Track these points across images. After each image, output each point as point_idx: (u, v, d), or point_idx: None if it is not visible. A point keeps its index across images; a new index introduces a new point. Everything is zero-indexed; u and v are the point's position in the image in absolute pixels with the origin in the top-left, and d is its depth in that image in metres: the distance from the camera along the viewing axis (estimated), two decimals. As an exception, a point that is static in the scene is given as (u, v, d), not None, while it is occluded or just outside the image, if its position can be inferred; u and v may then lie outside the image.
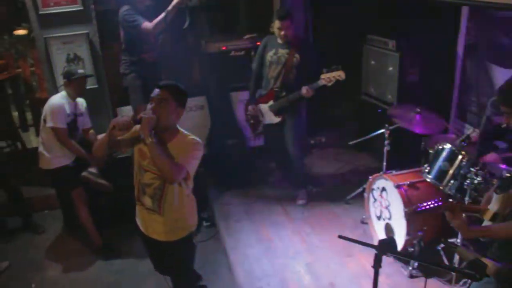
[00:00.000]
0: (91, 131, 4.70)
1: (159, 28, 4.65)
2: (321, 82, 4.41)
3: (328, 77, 4.36)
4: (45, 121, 4.28)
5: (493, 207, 2.52)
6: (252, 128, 5.19)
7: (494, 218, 2.48)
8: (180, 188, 2.96)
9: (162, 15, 4.57)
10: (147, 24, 4.63)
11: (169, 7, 4.55)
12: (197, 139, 2.92)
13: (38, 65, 6.23)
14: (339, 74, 4.33)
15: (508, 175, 2.70)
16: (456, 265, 3.63)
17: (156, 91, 2.84)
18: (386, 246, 2.07)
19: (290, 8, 4.79)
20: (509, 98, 2.81)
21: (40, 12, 4.87)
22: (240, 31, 5.94)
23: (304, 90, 4.49)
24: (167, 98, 2.80)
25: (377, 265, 2.05)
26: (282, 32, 4.55)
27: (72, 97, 4.36)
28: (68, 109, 4.31)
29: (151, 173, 2.90)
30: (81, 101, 4.53)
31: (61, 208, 4.97)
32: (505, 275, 1.79)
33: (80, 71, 4.42)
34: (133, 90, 4.96)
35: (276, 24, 4.57)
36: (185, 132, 2.95)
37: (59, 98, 4.31)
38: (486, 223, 2.52)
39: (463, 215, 2.53)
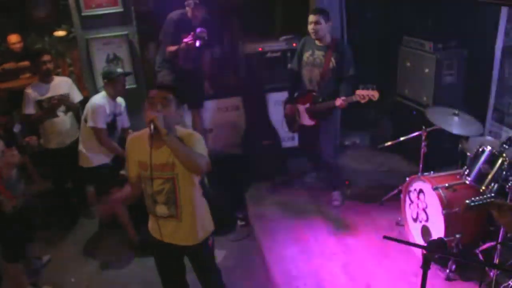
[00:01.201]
0: (130, 130, 4.79)
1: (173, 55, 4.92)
2: (355, 98, 4.42)
3: (363, 95, 4.38)
4: (85, 120, 4.38)
5: None
6: (289, 126, 5.24)
7: None
8: (193, 188, 2.95)
9: (174, 48, 4.82)
10: (169, 48, 4.89)
11: (181, 45, 4.78)
12: (200, 136, 2.89)
13: (77, 65, 6.39)
14: (373, 94, 4.35)
15: None
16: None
17: (154, 92, 2.81)
18: (436, 247, 2.08)
19: (326, 8, 4.79)
20: None
21: (83, 14, 5.01)
22: (276, 33, 5.98)
23: (338, 102, 4.50)
24: (168, 97, 2.77)
25: (426, 266, 2.06)
26: (312, 26, 4.56)
27: (112, 96, 4.42)
28: (108, 109, 4.37)
29: (158, 180, 2.84)
30: (120, 100, 4.60)
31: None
32: None
33: (119, 70, 4.48)
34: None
35: (309, 18, 4.59)
36: (181, 128, 2.92)
37: (100, 98, 4.38)
38: None
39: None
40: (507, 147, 3.61)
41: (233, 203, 5.09)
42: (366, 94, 4.36)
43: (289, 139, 5.92)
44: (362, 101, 4.40)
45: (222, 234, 4.83)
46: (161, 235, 3.01)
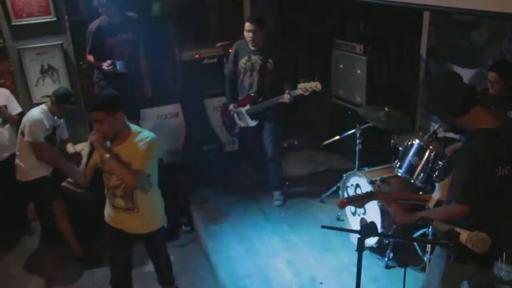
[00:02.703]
0: (69, 143, 4.71)
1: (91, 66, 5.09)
2: (298, 91, 4.53)
3: (305, 87, 4.48)
4: (22, 134, 4.27)
5: (436, 195, 2.75)
6: (228, 130, 5.31)
7: (437, 205, 2.71)
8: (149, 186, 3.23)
9: (93, 61, 5.00)
10: (89, 57, 5.02)
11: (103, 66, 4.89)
12: (149, 136, 3.11)
13: (8, 77, 6.18)
14: (316, 85, 4.47)
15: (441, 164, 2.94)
16: (428, 253, 3.84)
17: (90, 115, 3.05)
18: (368, 230, 2.23)
19: (260, 13, 4.91)
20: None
21: (13, 24, 4.86)
22: (212, 39, 6.06)
23: (286, 97, 4.60)
24: (101, 117, 2.98)
25: (360, 248, 2.19)
26: (250, 35, 4.65)
27: (53, 114, 4.37)
28: (47, 124, 4.30)
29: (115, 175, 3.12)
30: None
31: (40, 221, 4.94)
32: (475, 238, 2.00)
33: (73, 98, 4.44)
34: None
35: (246, 26, 4.66)
36: (137, 129, 3.19)
37: (38, 113, 4.26)
38: None
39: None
40: (432, 140, 3.85)
41: (176, 209, 5.09)
42: (309, 86, 4.47)
43: (229, 144, 6.01)
44: (305, 94, 4.52)
45: (167, 240, 4.84)
46: (115, 223, 3.33)
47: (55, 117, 4.41)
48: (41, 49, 5.02)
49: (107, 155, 3.01)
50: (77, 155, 4.57)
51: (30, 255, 4.77)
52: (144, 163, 3.05)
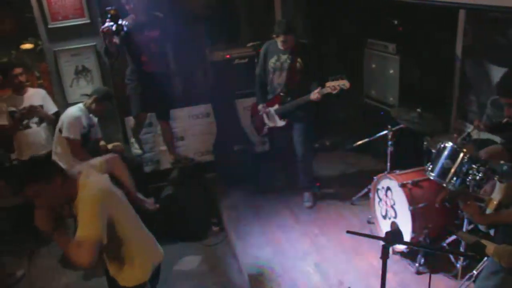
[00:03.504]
0: (102, 142, 4.82)
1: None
2: (326, 89, 4.51)
3: (333, 85, 4.46)
4: (60, 130, 4.40)
5: (496, 196, 2.61)
6: (257, 131, 5.31)
7: (498, 207, 2.57)
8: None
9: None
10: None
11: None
12: (91, 190, 2.54)
13: (46, 78, 6.35)
14: (344, 83, 4.44)
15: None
16: (461, 260, 3.74)
17: (24, 193, 2.51)
18: (393, 237, 2.18)
19: (290, 21, 4.84)
20: (506, 89, 2.92)
21: (49, 26, 5.01)
22: (242, 39, 6.06)
23: (313, 95, 4.58)
24: (35, 188, 2.48)
25: (384, 256, 2.15)
26: (282, 45, 4.68)
27: (90, 112, 4.52)
28: (84, 121, 4.44)
29: None
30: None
31: (74, 217, 5.05)
32: (502, 251, 1.91)
33: (110, 93, 4.60)
34: (133, 98, 5.08)
35: (280, 38, 4.66)
36: (85, 181, 2.59)
37: (76, 110, 4.44)
38: (489, 212, 2.62)
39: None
40: (466, 142, 3.74)
41: (207, 209, 5.14)
42: (336, 84, 4.44)
43: (260, 144, 6.00)
44: (334, 92, 4.48)
45: (197, 239, 4.90)
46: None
47: (91, 116, 4.52)
48: (76, 50, 5.16)
49: (53, 236, 2.50)
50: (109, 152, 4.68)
51: (63, 251, 4.86)
52: (90, 226, 2.42)
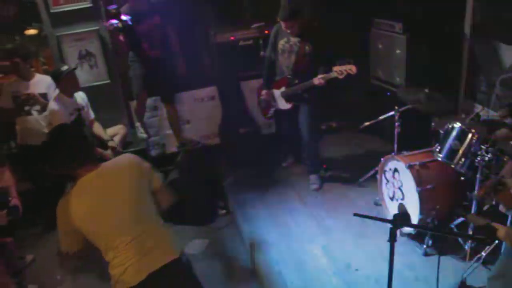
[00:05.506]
0: (96, 123, 4.80)
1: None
2: (333, 74, 4.47)
3: (340, 70, 4.43)
4: (51, 124, 4.36)
5: None
6: (263, 113, 5.28)
7: None
8: None
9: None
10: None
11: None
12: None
13: (51, 64, 6.33)
14: (351, 68, 4.40)
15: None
16: (469, 242, 3.71)
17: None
18: (400, 220, 2.15)
19: (293, 6, 4.75)
20: None
21: (51, 11, 4.97)
22: (247, 21, 6.00)
23: (316, 80, 4.55)
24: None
25: (392, 239, 2.13)
26: (288, 31, 4.64)
27: (68, 95, 4.48)
28: (68, 109, 4.42)
29: None
30: (78, 95, 4.64)
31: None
32: None
33: (64, 67, 4.52)
34: (135, 77, 5.12)
35: (281, 24, 4.62)
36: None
37: (53, 104, 4.43)
38: None
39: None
40: (475, 123, 3.69)
41: (213, 192, 5.13)
42: (343, 69, 4.41)
43: (267, 126, 5.97)
44: (340, 77, 4.45)
45: (204, 223, 4.90)
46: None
47: (72, 99, 4.49)
48: (79, 35, 5.10)
49: None
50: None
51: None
52: None
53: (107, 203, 2.46)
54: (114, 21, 4.60)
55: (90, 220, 2.44)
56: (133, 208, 2.52)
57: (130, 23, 4.64)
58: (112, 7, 4.68)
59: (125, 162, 2.67)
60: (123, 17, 4.71)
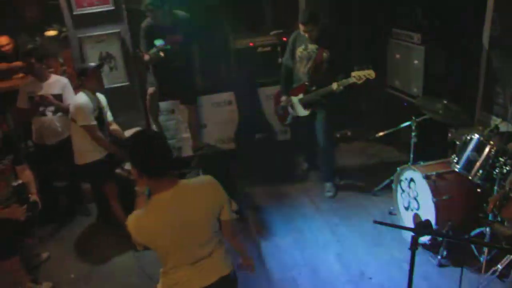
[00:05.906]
0: (113, 125, 4.84)
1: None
2: (351, 79, 4.48)
3: (359, 75, 4.43)
4: (74, 121, 4.40)
5: None
6: (281, 119, 5.30)
7: None
8: None
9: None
10: (145, 56, 4.89)
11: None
12: None
13: (69, 64, 6.41)
14: (369, 73, 4.41)
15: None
16: (485, 254, 3.69)
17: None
18: (423, 228, 2.16)
19: (313, 11, 4.78)
20: None
21: (75, 13, 5.06)
22: (266, 27, 6.04)
23: (334, 85, 4.56)
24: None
25: (414, 246, 2.13)
26: (307, 35, 4.66)
27: (92, 91, 4.43)
28: (92, 104, 4.40)
29: None
30: (100, 96, 4.68)
31: (96, 202, 5.13)
32: None
33: (92, 64, 4.53)
34: (150, 73, 5.16)
35: (301, 27, 4.65)
36: None
37: (80, 97, 4.36)
38: None
39: None
40: (493, 135, 3.68)
41: (228, 196, 5.14)
42: (362, 74, 4.42)
43: (282, 133, 6.00)
44: (359, 82, 4.46)
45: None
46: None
47: (96, 97, 4.50)
48: (100, 37, 5.18)
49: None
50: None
51: (85, 235, 4.96)
52: None
53: (181, 225, 2.42)
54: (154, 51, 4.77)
55: (162, 238, 2.43)
56: (204, 233, 2.51)
57: (162, 47, 4.75)
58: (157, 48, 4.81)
59: (205, 185, 2.59)
60: (156, 42, 4.78)
